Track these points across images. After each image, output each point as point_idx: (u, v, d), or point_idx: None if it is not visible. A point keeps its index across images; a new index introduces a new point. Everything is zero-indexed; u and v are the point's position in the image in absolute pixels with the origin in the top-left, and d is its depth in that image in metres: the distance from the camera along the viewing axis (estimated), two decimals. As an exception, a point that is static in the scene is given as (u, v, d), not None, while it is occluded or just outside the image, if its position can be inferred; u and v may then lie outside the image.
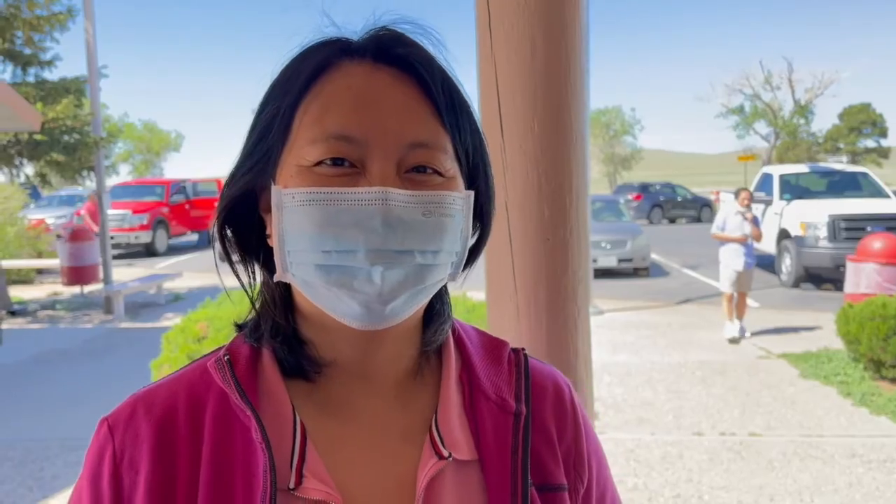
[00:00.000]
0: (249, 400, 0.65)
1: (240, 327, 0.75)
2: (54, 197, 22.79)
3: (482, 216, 0.73)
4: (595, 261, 11.97)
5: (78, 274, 11.47)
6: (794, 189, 13.50)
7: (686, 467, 4.57)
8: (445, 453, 0.67)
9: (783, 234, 12.30)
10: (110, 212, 14.57)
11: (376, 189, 0.60)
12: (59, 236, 12.17)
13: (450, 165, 0.66)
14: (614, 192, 32.08)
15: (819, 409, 5.65)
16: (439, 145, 0.65)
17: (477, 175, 0.70)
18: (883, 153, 53.86)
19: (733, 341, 8.02)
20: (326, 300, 0.64)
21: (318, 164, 0.63)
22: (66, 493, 4.35)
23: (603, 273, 12.94)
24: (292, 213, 0.63)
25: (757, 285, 12.38)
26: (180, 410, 0.68)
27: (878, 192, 13.15)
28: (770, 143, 48.31)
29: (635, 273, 13.69)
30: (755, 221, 8.17)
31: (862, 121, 53.09)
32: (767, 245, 13.12)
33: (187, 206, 21.03)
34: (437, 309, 0.74)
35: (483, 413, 0.71)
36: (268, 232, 0.68)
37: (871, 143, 53.73)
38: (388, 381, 0.71)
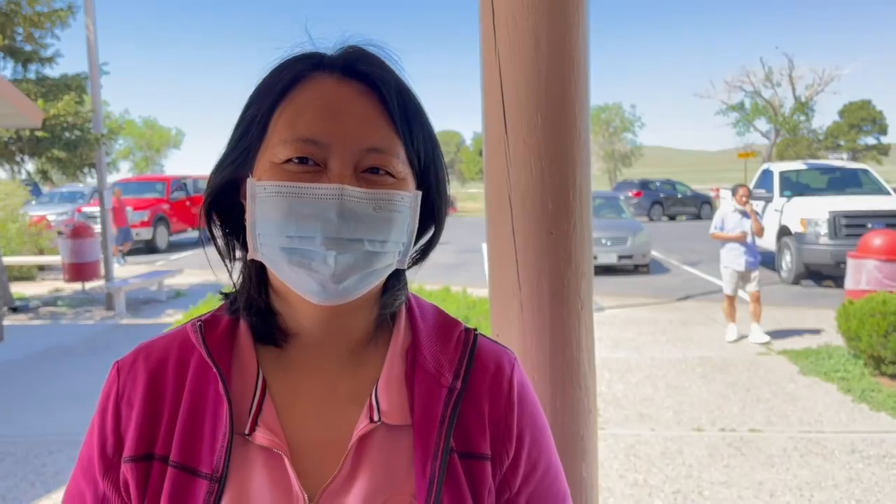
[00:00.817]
0: (215, 359, 0.78)
1: (225, 295, 0.88)
2: (55, 193, 22.79)
3: (436, 215, 0.84)
4: (595, 257, 11.97)
5: (79, 270, 11.47)
6: (795, 186, 13.51)
7: (686, 463, 4.59)
8: (376, 418, 0.77)
9: (783, 231, 12.31)
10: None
11: (334, 186, 0.71)
12: (60, 233, 12.18)
13: (401, 168, 0.76)
14: (614, 188, 32.07)
15: (819, 406, 5.66)
16: (392, 150, 0.75)
17: (428, 176, 0.80)
18: (883, 150, 53.82)
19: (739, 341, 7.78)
20: (289, 278, 0.75)
21: (287, 161, 0.73)
22: (69, 489, 4.36)
23: (603, 270, 12.95)
24: (263, 202, 0.73)
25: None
26: (170, 362, 0.81)
27: (878, 189, 13.16)
28: (770, 140, 48.24)
29: (636, 270, 13.70)
30: (756, 216, 7.88)
31: (862, 118, 53.04)
32: (768, 242, 13.12)
33: (188, 203, 21.03)
34: (391, 284, 0.83)
35: (420, 385, 0.80)
36: (247, 216, 0.78)
37: (871, 140, 53.67)
38: (342, 349, 0.82)
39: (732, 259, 7.83)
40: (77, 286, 11.99)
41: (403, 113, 0.76)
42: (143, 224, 18.63)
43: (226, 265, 0.85)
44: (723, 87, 49.70)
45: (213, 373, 0.78)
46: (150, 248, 18.88)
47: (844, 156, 48.88)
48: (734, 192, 8.08)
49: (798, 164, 15.37)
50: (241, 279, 0.84)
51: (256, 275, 0.82)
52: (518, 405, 0.84)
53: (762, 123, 49.99)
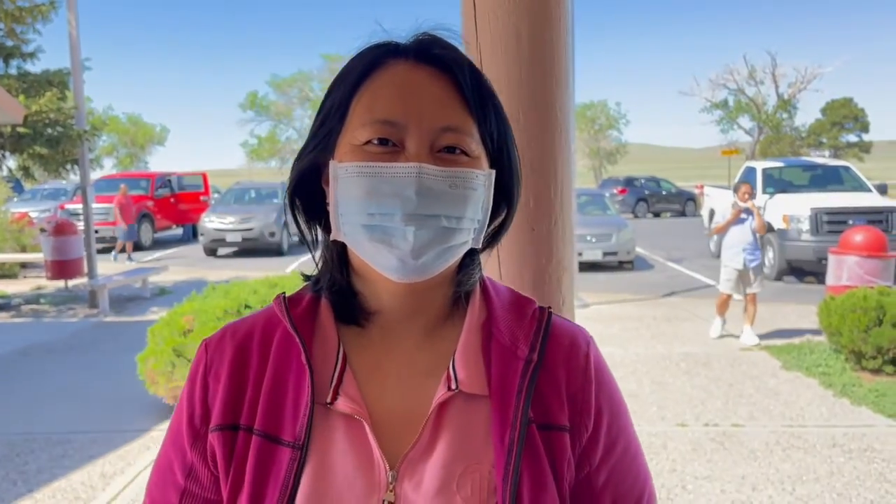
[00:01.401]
0: (299, 330, 0.82)
1: (306, 277, 0.91)
2: (38, 190, 22.53)
3: (508, 196, 0.85)
4: (580, 254, 12.03)
5: (62, 268, 11.38)
6: (777, 183, 13.62)
7: (670, 458, 4.63)
8: (454, 386, 0.79)
9: (766, 228, 12.41)
10: (94, 205, 14.46)
11: (412, 164, 0.74)
12: (43, 230, 12.06)
13: (475, 147, 0.78)
14: (600, 186, 32.20)
15: (801, 400, 5.72)
16: (467, 130, 0.77)
17: (501, 158, 0.82)
18: (865, 147, 54.29)
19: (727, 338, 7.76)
20: (370, 255, 0.78)
21: (367, 143, 0.76)
22: (52, 487, 4.34)
23: (588, 266, 13.00)
24: (345, 183, 0.77)
25: (741, 278, 12.52)
26: (255, 337, 0.85)
27: (859, 186, 13.29)
28: (754, 138, 48.57)
29: (620, 266, 13.77)
30: (741, 219, 7.68)
31: (844, 115, 53.47)
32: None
33: (172, 200, 20.90)
34: (466, 263, 0.85)
35: (496, 356, 0.82)
36: (328, 200, 0.82)
37: (853, 138, 54.13)
38: (420, 326, 0.84)
39: (732, 257, 7.66)
40: (60, 284, 11.88)
41: (477, 94, 0.79)
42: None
43: (309, 249, 0.89)
44: (707, 85, 49.91)
45: (295, 345, 0.81)
46: (134, 244, 18.71)
47: (826, 153, 49.27)
48: (736, 189, 8.03)
49: (781, 162, 15.52)
50: (322, 261, 0.88)
51: (338, 256, 0.85)
52: (596, 380, 0.85)
53: (745, 121, 50.31)
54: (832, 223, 11.41)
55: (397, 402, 0.81)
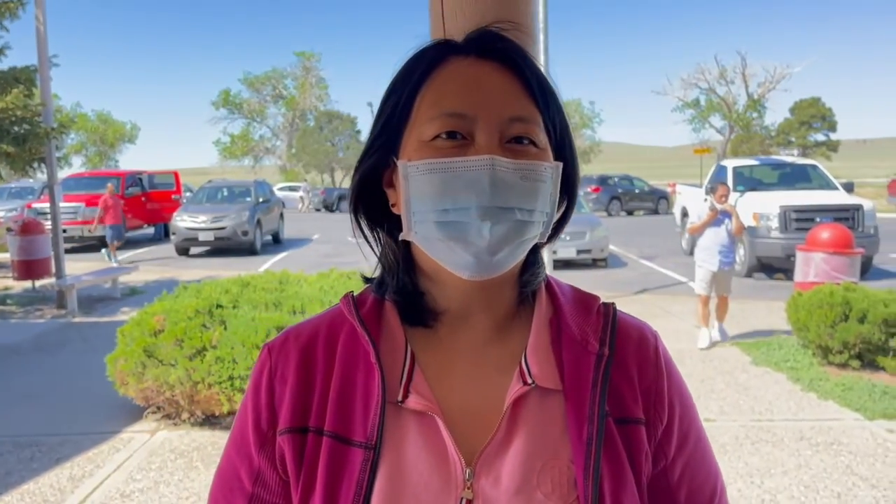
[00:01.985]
0: (368, 329, 0.81)
1: (367, 280, 0.91)
2: (4, 189, 22.11)
3: (570, 188, 0.85)
4: (555, 252, 12.09)
5: (29, 268, 11.18)
6: (748, 181, 13.81)
7: (642, 453, 4.66)
8: (530, 381, 0.78)
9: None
10: (63, 204, 14.23)
11: (485, 157, 0.73)
12: (9, 230, 11.84)
13: (542, 138, 0.78)
14: (574, 184, 32.33)
15: (770, 395, 5.81)
16: (534, 120, 0.77)
17: (563, 149, 0.82)
18: (832, 146, 55.22)
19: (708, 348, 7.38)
20: (443, 253, 0.77)
21: (435, 138, 0.75)
22: (20, 490, 4.26)
23: (562, 264, 13.07)
24: (416, 181, 0.75)
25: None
26: (320, 338, 0.85)
27: (826, 184, 13.52)
28: (725, 137, 49.16)
29: (594, 264, 13.86)
30: (720, 219, 7.50)
31: (812, 115, 54.32)
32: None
33: (143, 199, 20.64)
34: (531, 261, 0.85)
35: (568, 351, 0.81)
36: (391, 202, 0.82)
37: (820, 137, 55.01)
38: (488, 323, 0.83)
39: (706, 258, 7.53)
40: (27, 284, 11.67)
41: (540, 86, 0.79)
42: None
43: (374, 252, 0.88)
44: (679, 85, 50.47)
45: (362, 345, 0.81)
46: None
47: (795, 152, 50.04)
48: (713, 190, 7.84)
49: (751, 160, 15.73)
50: (385, 264, 0.87)
51: (404, 257, 0.84)
52: (667, 373, 0.86)
53: (717, 120, 50.91)
54: (800, 220, 11.60)
55: (469, 398, 0.80)
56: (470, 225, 0.73)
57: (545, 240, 0.82)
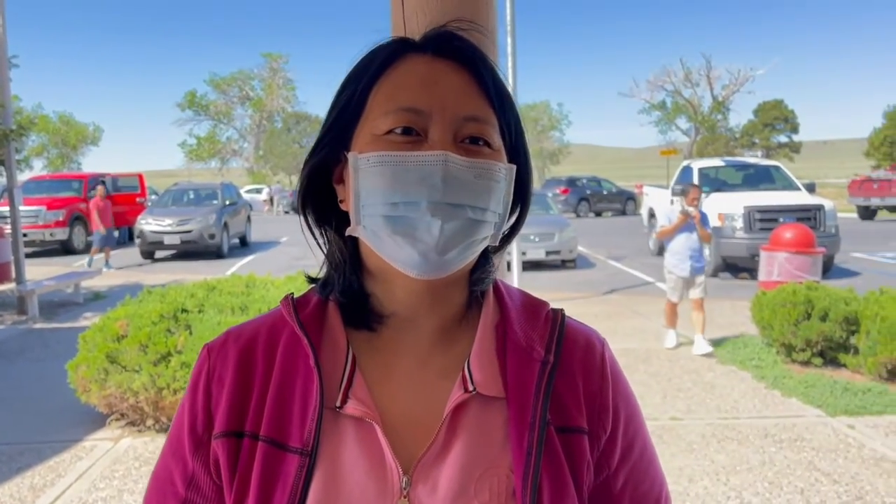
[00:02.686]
0: (308, 332, 0.79)
1: (312, 281, 0.88)
2: (-39, 193, 21.58)
3: (524, 193, 0.85)
4: (524, 253, 12.14)
5: (-12, 273, 10.90)
6: (713, 182, 14.03)
7: (610, 452, 4.69)
8: (471, 388, 0.77)
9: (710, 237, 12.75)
10: (23, 208, 13.89)
11: (438, 152, 0.72)
12: (-34, 234, 11.54)
13: (496, 139, 0.77)
14: (543, 186, 32.58)
15: (735, 393, 5.89)
16: (489, 121, 0.77)
17: (518, 154, 0.82)
18: (795, 148, 56.32)
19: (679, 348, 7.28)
20: (390, 249, 0.75)
21: (389, 132, 0.74)
22: (-23, 502, 4.15)
23: (531, 265, 13.14)
24: (367, 173, 0.74)
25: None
26: (260, 340, 0.83)
27: (789, 185, 13.78)
28: (691, 138, 49.88)
29: (563, 265, 13.95)
30: (703, 221, 7.19)
31: (775, 116, 55.36)
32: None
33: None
34: (480, 262, 0.84)
35: (513, 358, 0.80)
36: (340, 199, 0.81)
37: (783, 139, 56.06)
38: (435, 326, 0.82)
39: (677, 264, 7.19)
40: (-14, 290, 11.38)
41: (496, 88, 0.78)
42: (59, 224, 17.84)
43: (322, 249, 0.86)
44: (645, 87, 51.09)
45: (303, 348, 0.79)
46: (66, 248, 18.11)
47: (759, 153, 50.94)
48: (684, 192, 7.52)
49: (716, 161, 15.97)
50: (332, 263, 0.85)
51: (350, 256, 0.83)
52: (613, 381, 0.84)
53: (683, 122, 51.63)
54: (764, 221, 11.80)
55: (410, 404, 0.79)
56: (419, 221, 0.72)
57: (497, 242, 0.81)
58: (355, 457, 0.75)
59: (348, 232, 0.78)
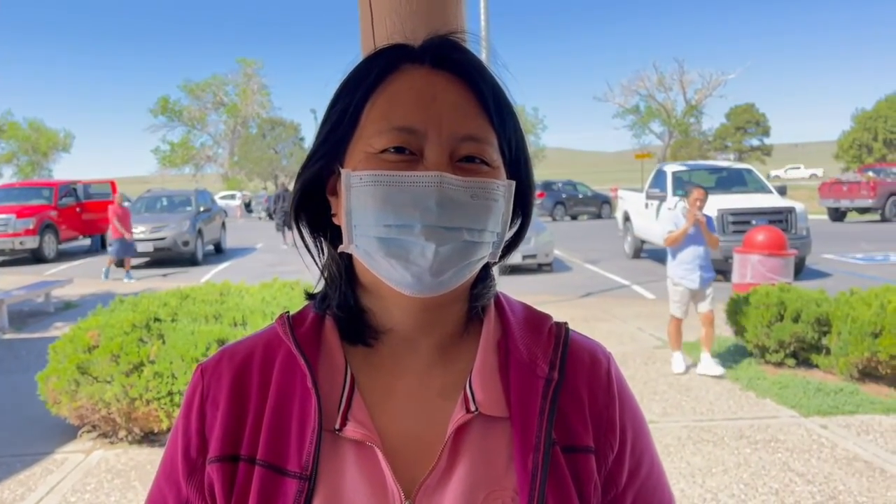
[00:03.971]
0: (305, 353, 0.76)
1: (310, 297, 0.86)
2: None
3: (524, 205, 0.83)
4: (500, 258, 12.15)
5: (-45, 283, 10.68)
6: (687, 185, 14.13)
7: (588, 456, 4.70)
8: (473, 408, 0.75)
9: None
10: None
11: (433, 173, 0.70)
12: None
13: (495, 157, 0.75)
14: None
15: (710, 395, 5.94)
16: (487, 139, 0.75)
17: (518, 167, 0.80)
18: (766, 151, 57.14)
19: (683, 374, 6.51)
20: (384, 269, 0.73)
21: (383, 151, 0.72)
22: (-57, 519, 4.05)
23: (508, 269, 13.04)
24: (359, 192, 0.72)
25: (653, 278, 12.95)
26: (255, 360, 0.80)
27: (761, 188, 13.95)
28: (664, 142, 50.38)
29: (539, 269, 14.00)
30: (709, 224, 6.53)
31: (747, 120, 56.14)
32: (662, 239, 13.68)
33: (78, 210, 19.98)
34: (482, 276, 0.82)
35: (516, 376, 0.78)
36: (333, 212, 0.79)
37: (755, 142, 56.84)
38: (433, 343, 0.80)
39: (685, 274, 6.44)
40: (-47, 300, 11.15)
41: (496, 102, 0.76)
42: (29, 232, 17.55)
43: (316, 263, 0.84)
44: (620, 91, 51.55)
45: (299, 369, 0.77)
46: (36, 257, 17.83)
47: (731, 156, 51.59)
48: (687, 194, 6.70)
49: (689, 165, 16.12)
50: (328, 277, 0.83)
51: (345, 270, 0.81)
52: (619, 398, 0.82)
53: (657, 126, 52.14)
54: (737, 223, 11.93)
55: (411, 425, 0.76)
56: (413, 244, 0.70)
57: (496, 259, 0.79)
58: (356, 481, 0.73)
59: (341, 249, 0.76)
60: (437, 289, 0.73)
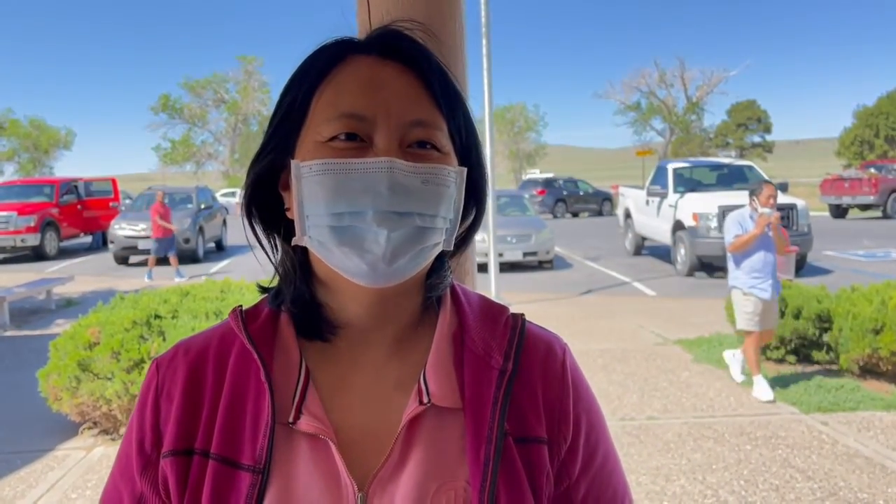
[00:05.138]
0: (257, 346, 0.76)
1: (264, 290, 0.86)
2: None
3: (478, 196, 0.83)
4: (501, 255, 12.15)
5: (-44, 281, 10.69)
6: (688, 182, 14.14)
7: (588, 453, 4.70)
8: (426, 399, 0.75)
9: (678, 226, 12.85)
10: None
11: (383, 159, 0.70)
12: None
13: (445, 142, 0.75)
14: (520, 187, 32.70)
15: (711, 391, 5.94)
16: (436, 124, 0.74)
17: (469, 155, 0.80)
18: (768, 147, 57.08)
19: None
20: (338, 260, 0.73)
21: (332, 139, 0.72)
22: (-56, 516, 4.05)
23: (509, 266, 13.16)
24: (310, 182, 0.72)
25: (654, 274, 12.95)
26: (210, 354, 0.80)
27: (762, 185, 13.92)
28: (665, 139, 50.32)
29: (540, 266, 14.00)
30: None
31: (748, 117, 56.08)
32: (664, 236, 13.69)
33: (79, 207, 20.00)
34: (436, 266, 0.82)
35: (470, 367, 0.78)
36: (286, 206, 0.78)
37: (756, 139, 56.79)
38: (389, 336, 0.80)
39: (756, 283, 5.72)
40: (-45, 297, 11.16)
41: (443, 89, 0.76)
42: (30, 230, 17.57)
43: (270, 259, 0.84)
44: (621, 88, 51.50)
45: (254, 362, 0.77)
46: (38, 254, 17.84)
47: (733, 153, 51.55)
48: (755, 192, 5.86)
49: (690, 162, 16.11)
50: (282, 272, 0.82)
51: (300, 266, 0.80)
52: (573, 389, 0.82)
53: (658, 123, 52.10)
54: (738, 220, 11.89)
55: (365, 418, 0.76)
56: (366, 231, 0.70)
57: (451, 247, 0.78)
58: (309, 474, 0.73)
59: (294, 241, 0.76)
60: (392, 277, 0.72)
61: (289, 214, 0.78)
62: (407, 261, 0.73)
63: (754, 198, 5.81)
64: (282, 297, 0.82)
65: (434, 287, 0.82)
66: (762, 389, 5.68)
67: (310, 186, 0.72)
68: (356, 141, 0.72)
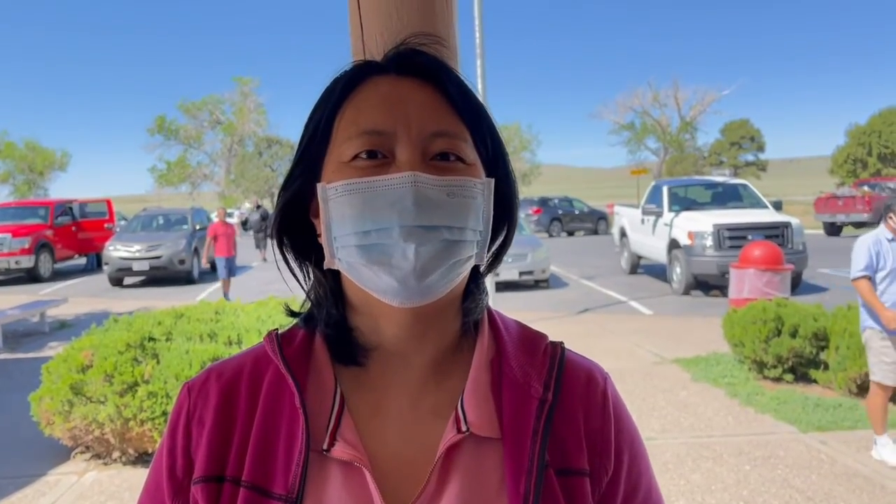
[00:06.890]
0: (293, 371, 0.75)
1: (294, 314, 0.85)
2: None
3: (508, 210, 0.80)
4: (497, 274, 12.15)
5: (-51, 303, 10.62)
6: (682, 201, 14.18)
7: (586, 474, 4.66)
8: (464, 428, 0.73)
9: (673, 244, 12.87)
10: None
11: (406, 173, 0.68)
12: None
13: (470, 153, 0.74)
14: (515, 206, 32.71)
15: (709, 411, 5.91)
16: (459, 135, 0.73)
17: (497, 167, 0.78)
18: (762, 166, 57.41)
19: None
20: (368, 280, 0.71)
21: (355, 158, 0.72)
22: (-67, 543, 3.99)
23: (505, 286, 13.14)
24: (335, 203, 0.71)
25: (650, 293, 12.95)
26: (244, 378, 0.79)
27: (757, 203, 13.99)
28: (660, 158, 50.58)
29: (536, 285, 13.98)
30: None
31: (742, 135, 56.46)
32: (659, 255, 13.70)
33: (74, 229, 19.94)
34: (471, 289, 0.80)
35: (509, 396, 0.76)
36: (318, 232, 0.76)
37: (750, 157, 57.12)
38: (425, 361, 0.78)
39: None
40: (-52, 320, 11.09)
41: (464, 100, 0.75)
42: (24, 251, 17.51)
43: (301, 286, 0.83)
44: (615, 108, 51.84)
45: (288, 388, 0.75)
46: (32, 276, 17.76)
47: (727, 172, 51.80)
48: (891, 208, 4.69)
49: (684, 181, 16.18)
50: (314, 297, 0.82)
51: (332, 291, 0.79)
52: (615, 419, 0.80)
53: (652, 142, 52.39)
54: (733, 238, 11.94)
55: (401, 446, 0.74)
56: (393, 247, 0.68)
57: (483, 262, 0.77)
58: (342, 502, 0.71)
59: (325, 265, 0.75)
60: (425, 294, 0.70)
61: (320, 240, 0.77)
62: (438, 276, 0.70)
63: (891, 216, 4.64)
64: (313, 321, 0.81)
65: (470, 311, 0.80)
66: (888, 450, 4.68)
67: (336, 208, 0.71)
68: (378, 158, 0.71)
